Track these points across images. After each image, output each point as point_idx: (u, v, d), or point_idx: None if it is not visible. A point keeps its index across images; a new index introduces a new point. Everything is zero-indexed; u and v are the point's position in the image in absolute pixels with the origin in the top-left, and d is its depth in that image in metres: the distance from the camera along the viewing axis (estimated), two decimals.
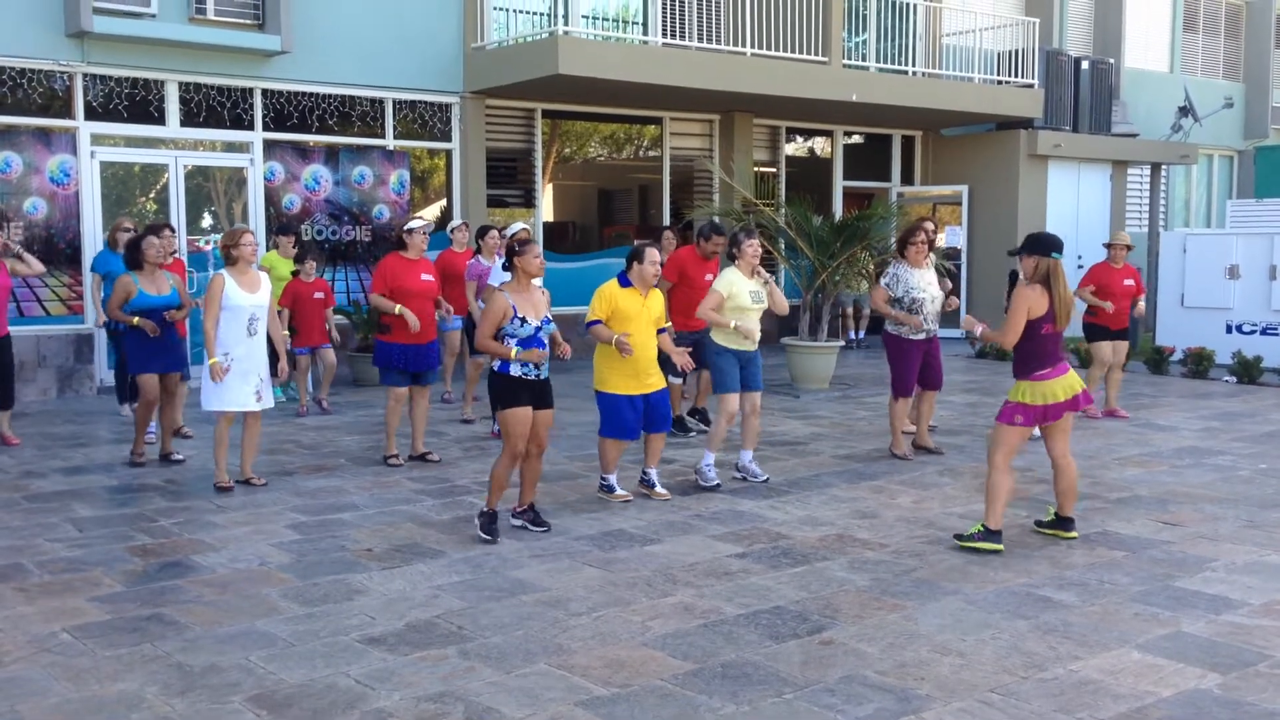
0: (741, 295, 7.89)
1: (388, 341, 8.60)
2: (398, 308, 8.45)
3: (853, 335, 17.31)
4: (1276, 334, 14.46)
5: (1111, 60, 19.63)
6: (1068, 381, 6.49)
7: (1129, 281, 10.87)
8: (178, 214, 12.67)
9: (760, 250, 8.07)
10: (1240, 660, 4.77)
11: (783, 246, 14.02)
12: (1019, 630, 5.14)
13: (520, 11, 14.89)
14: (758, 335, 7.98)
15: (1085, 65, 18.84)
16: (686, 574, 5.98)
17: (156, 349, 8.50)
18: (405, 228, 8.83)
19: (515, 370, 6.51)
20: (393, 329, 8.55)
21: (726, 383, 7.93)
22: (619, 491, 7.57)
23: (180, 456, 8.80)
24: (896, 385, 9.07)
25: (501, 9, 14.66)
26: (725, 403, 7.95)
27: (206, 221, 13.05)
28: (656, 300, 7.58)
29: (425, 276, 8.71)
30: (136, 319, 8.56)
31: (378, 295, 8.59)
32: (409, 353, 8.55)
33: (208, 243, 12.83)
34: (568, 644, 4.96)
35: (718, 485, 7.88)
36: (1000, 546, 6.38)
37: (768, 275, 8.06)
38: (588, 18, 15.47)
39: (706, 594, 5.65)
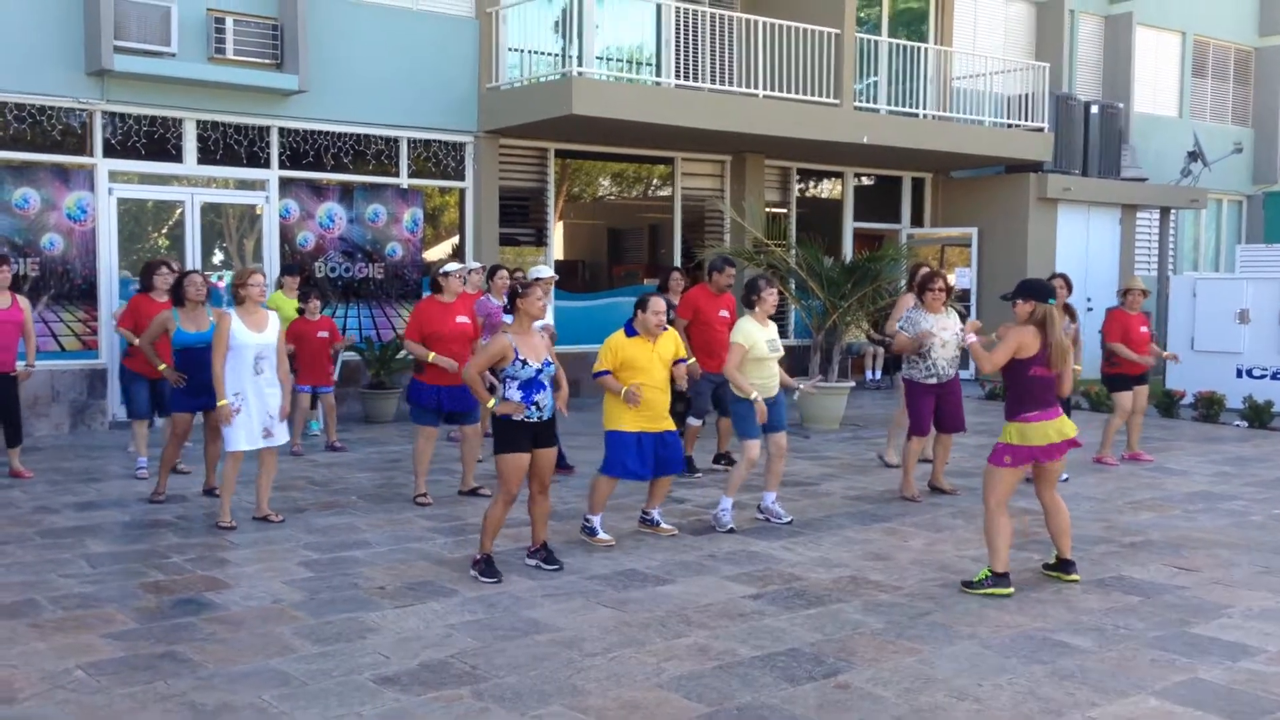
0: (759, 346, 7.91)
1: (424, 381, 8.62)
2: (431, 355, 8.49)
3: (869, 375, 17.30)
4: None
5: (1121, 105, 19.74)
6: (1058, 425, 6.50)
7: (1144, 328, 10.89)
8: (193, 250, 12.77)
9: (777, 299, 8.12)
10: (1258, 708, 4.74)
11: (793, 287, 14.07)
12: (1035, 675, 5.11)
13: (534, 52, 15.04)
14: (773, 390, 7.96)
15: (1095, 109, 18.95)
16: (701, 615, 5.97)
17: (197, 386, 8.43)
18: (440, 271, 8.87)
19: (517, 417, 6.52)
20: (426, 369, 8.58)
21: (749, 429, 7.92)
22: (601, 535, 7.48)
23: (220, 491, 8.66)
24: (911, 426, 9.09)
25: (516, 50, 14.81)
26: (748, 449, 7.94)
27: (218, 258, 13.12)
28: (667, 343, 7.58)
29: (460, 319, 8.76)
30: (163, 366, 8.60)
31: (411, 341, 8.63)
32: (443, 394, 8.56)
33: (220, 279, 12.89)
34: (583, 685, 4.94)
35: (731, 530, 7.86)
36: (1010, 590, 6.37)
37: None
38: (601, 59, 15.62)
39: (721, 635, 5.63)
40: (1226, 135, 22.22)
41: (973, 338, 6.78)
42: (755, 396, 7.80)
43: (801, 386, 8.46)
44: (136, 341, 9.26)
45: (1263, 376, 14.70)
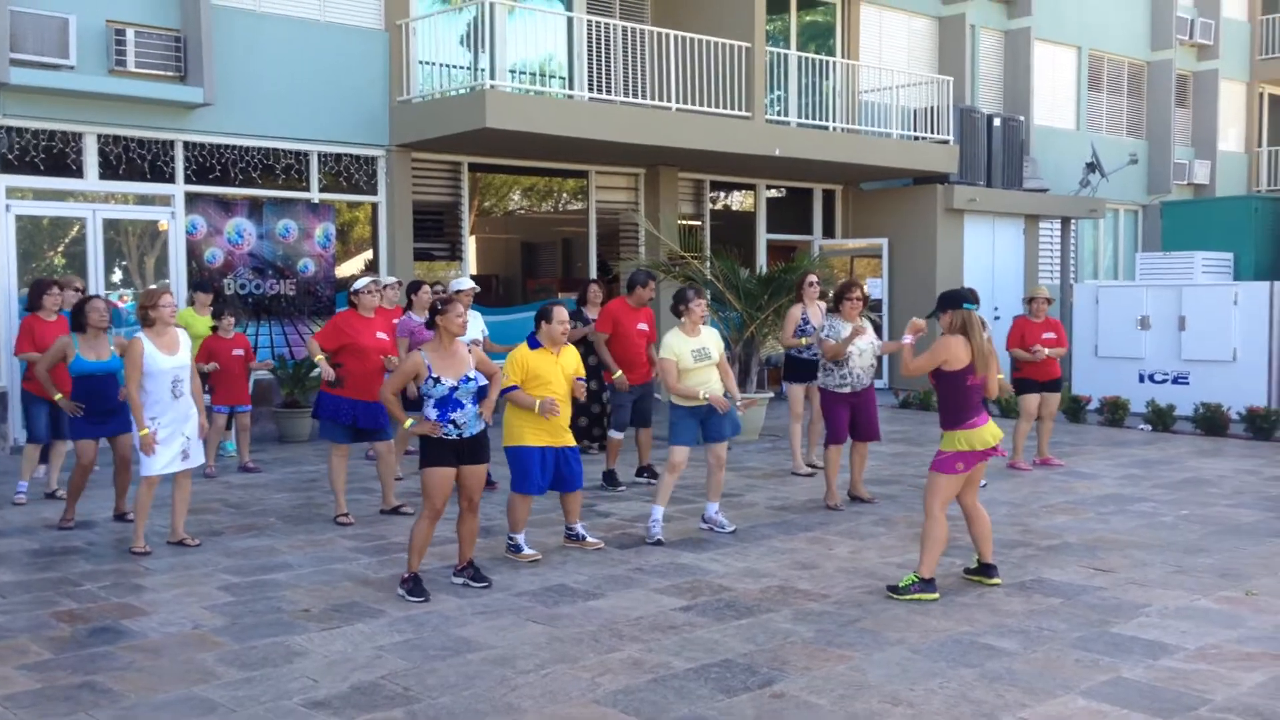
0: (683, 356, 7.94)
1: (336, 395, 8.45)
2: (319, 356, 8.39)
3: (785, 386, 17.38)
4: (1187, 383, 14.89)
5: (1021, 117, 20.23)
6: (993, 429, 6.65)
7: (1050, 335, 11.11)
8: (95, 269, 12.40)
9: (707, 310, 8.15)
10: (1182, 704, 4.86)
11: (709, 298, 14.11)
12: (965, 679, 5.19)
13: (446, 65, 14.92)
14: (721, 395, 7.98)
15: (997, 122, 19.38)
16: (632, 629, 5.95)
17: (98, 413, 8.22)
18: (352, 289, 8.72)
19: (436, 434, 6.45)
20: (345, 383, 8.43)
21: (679, 436, 7.95)
22: (526, 551, 7.43)
23: (132, 516, 8.22)
24: (828, 435, 9.19)
25: (428, 63, 14.68)
26: (674, 455, 7.95)
27: (118, 277, 12.75)
28: (570, 356, 7.54)
29: (380, 335, 8.65)
30: (59, 396, 8.29)
31: (313, 341, 8.52)
32: (358, 408, 8.42)
33: (122, 298, 12.55)
34: (518, 703, 4.89)
35: (659, 541, 7.85)
36: (936, 595, 6.46)
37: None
38: (513, 71, 15.56)
39: (654, 648, 5.62)
40: (1122, 147, 22.89)
41: (909, 338, 6.84)
42: (704, 395, 7.84)
43: (739, 402, 8.43)
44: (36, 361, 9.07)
45: (1164, 381, 15.15)
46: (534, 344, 7.42)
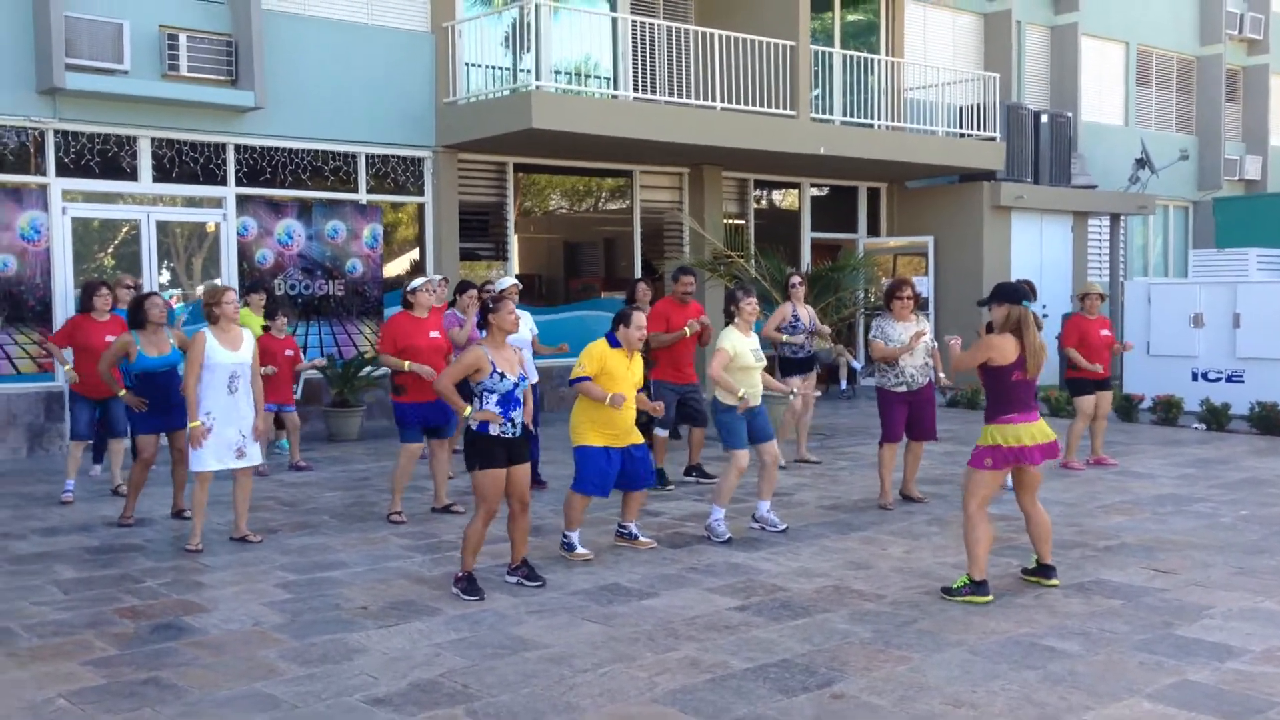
0: (744, 355, 7.94)
1: (404, 402, 8.57)
2: (407, 364, 8.42)
3: (844, 386, 17.32)
4: (1242, 381, 14.68)
5: (1069, 113, 20.02)
6: (1037, 429, 6.53)
7: (1105, 331, 10.99)
8: (149, 270, 12.57)
9: (758, 309, 8.14)
10: (1249, 708, 4.79)
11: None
12: (1028, 681, 5.14)
13: (491, 67, 14.99)
14: (758, 399, 7.98)
15: (1044, 119, 19.20)
16: (688, 628, 5.94)
17: (160, 408, 8.35)
18: (409, 288, 8.78)
19: (494, 429, 6.47)
20: (407, 390, 8.50)
21: (735, 440, 7.94)
22: (579, 550, 7.44)
23: (190, 514, 8.22)
24: (883, 433, 9.15)
25: (474, 65, 14.75)
26: (736, 459, 7.95)
27: (165, 277, 12.89)
28: (638, 363, 7.63)
29: (434, 334, 8.70)
30: (123, 392, 8.41)
31: (385, 355, 8.55)
32: (423, 410, 8.53)
33: (172, 298, 12.69)
34: (577, 702, 4.90)
35: (729, 539, 7.85)
36: (989, 597, 6.39)
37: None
38: (558, 73, 15.60)
39: (710, 648, 5.61)
40: (1172, 142, 22.61)
41: (954, 340, 6.93)
42: (742, 394, 7.83)
43: (794, 394, 8.47)
44: (55, 351, 9.38)
45: (1218, 379, 14.94)
46: (614, 342, 7.47)
